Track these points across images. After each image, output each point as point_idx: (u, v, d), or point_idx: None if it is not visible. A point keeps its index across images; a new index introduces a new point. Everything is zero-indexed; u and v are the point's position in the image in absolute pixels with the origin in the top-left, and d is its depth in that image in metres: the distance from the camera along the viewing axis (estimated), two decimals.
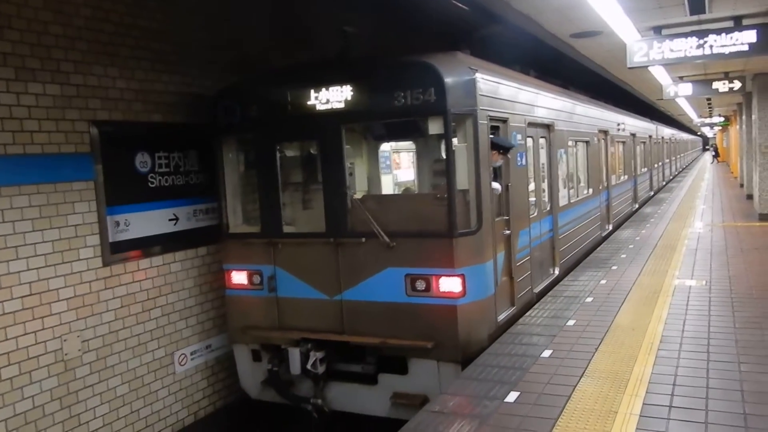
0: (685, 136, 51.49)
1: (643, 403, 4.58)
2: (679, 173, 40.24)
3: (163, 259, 7.06)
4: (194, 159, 7.49)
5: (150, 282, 6.88)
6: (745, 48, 7.48)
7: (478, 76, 6.24)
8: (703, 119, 36.72)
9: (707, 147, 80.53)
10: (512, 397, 4.82)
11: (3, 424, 5.40)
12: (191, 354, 7.38)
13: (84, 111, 6.20)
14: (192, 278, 7.43)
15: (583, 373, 5.25)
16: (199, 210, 7.55)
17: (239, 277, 7.03)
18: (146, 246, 6.85)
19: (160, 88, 7.08)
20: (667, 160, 31.56)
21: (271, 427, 7.63)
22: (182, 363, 7.25)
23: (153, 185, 6.96)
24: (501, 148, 6.74)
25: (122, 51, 6.62)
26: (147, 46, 6.90)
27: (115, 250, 6.47)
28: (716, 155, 55.35)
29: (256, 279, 6.90)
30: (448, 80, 5.90)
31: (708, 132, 62.35)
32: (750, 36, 7.44)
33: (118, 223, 6.50)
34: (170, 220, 7.17)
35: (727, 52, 7.52)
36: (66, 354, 5.94)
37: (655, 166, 24.94)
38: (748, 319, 6.59)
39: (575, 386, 4.97)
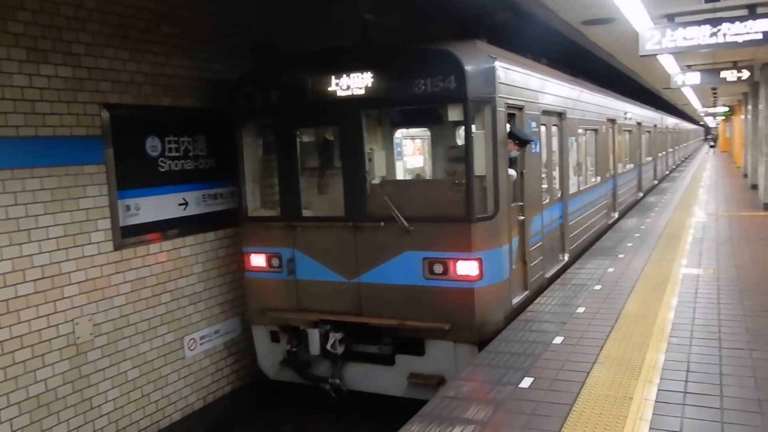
0: (688, 125, 51.41)
1: (658, 389, 4.59)
2: (682, 163, 40.20)
3: (173, 243, 7.06)
4: (203, 144, 7.46)
5: (160, 267, 6.87)
6: (759, 36, 7.43)
7: (497, 64, 6.30)
8: (707, 109, 36.60)
9: (708, 137, 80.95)
10: (526, 382, 4.83)
11: (16, 407, 5.42)
12: (200, 339, 7.39)
13: (95, 94, 6.16)
14: (201, 263, 7.42)
15: (596, 359, 5.26)
16: (209, 195, 7.54)
17: (258, 260, 7.13)
18: (156, 230, 6.83)
19: (169, 71, 7.05)
20: (671, 150, 31.52)
21: (284, 410, 7.67)
22: (191, 348, 7.27)
23: (163, 169, 6.95)
24: (518, 139, 6.76)
25: (132, 34, 6.58)
26: (157, 29, 6.86)
27: (126, 234, 6.46)
28: (713, 145, 57.23)
29: (275, 262, 7.00)
30: (468, 68, 5.96)
31: (710, 122, 62.24)
32: (764, 24, 7.38)
33: (128, 207, 6.49)
34: (180, 204, 7.15)
35: (740, 41, 7.47)
36: (78, 337, 5.95)
37: (660, 155, 24.92)
38: (757, 308, 6.59)
39: (588, 372, 4.98)
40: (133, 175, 6.54)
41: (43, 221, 5.66)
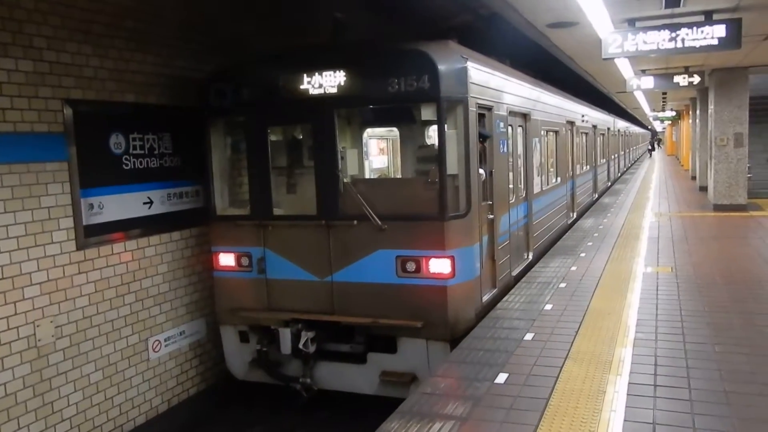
0: (637, 129, 52.91)
1: (629, 383, 4.71)
2: (632, 165, 41.33)
3: (137, 243, 6.89)
4: (169, 141, 7.32)
5: (124, 267, 6.71)
6: (715, 42, 7.69)
7: (470, 64, 6.35)
8: (656, 113, 37.72)
9: (657, 139, 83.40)
10: (501, 378, 4.89)
11: None
12: (165, 340, 7.24)
13: (57, 89, 5.98)
14: (166, 263, 7.27)
15: (567, 355, 5.36)
16: (174, 194, 7.39)
17: (227, 259, 7.05)
18: (120, 230, 6.67)
19: (134, 67, 6.89)
20: (622, 152, 32.39)
21: (251, 411, 7.57)
22: (156, 349, 7.11)
23: (127, 167, 6.78)
24: (481, 136, 6.86)
25: (95, 28, 6.40)
26: (121, 23, 6.70)
27: (89, 234, 6.28)
28: (652, 148, 60.26)
29: (245, 261, 6.92)
30: (442, 68, 6.01)
31: (657, 126, 64.14)
32: (720, 30, 7.65)
33: (92, 206, 6.31)
34: (144, 203, 7.00)
35: (698, 46, 7.72)
36: (39, 340, 5.75)
37: (612, 157, 25.58)
38: (716, 304, 6.83)
39: (561, 368, 5.07)
40: (97, 173, 6.37)
41: (2, 220, 5.45)
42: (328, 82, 6.35)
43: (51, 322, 5.87)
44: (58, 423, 5.93)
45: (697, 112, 20.68)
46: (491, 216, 7.09)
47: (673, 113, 36.16)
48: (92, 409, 6.30)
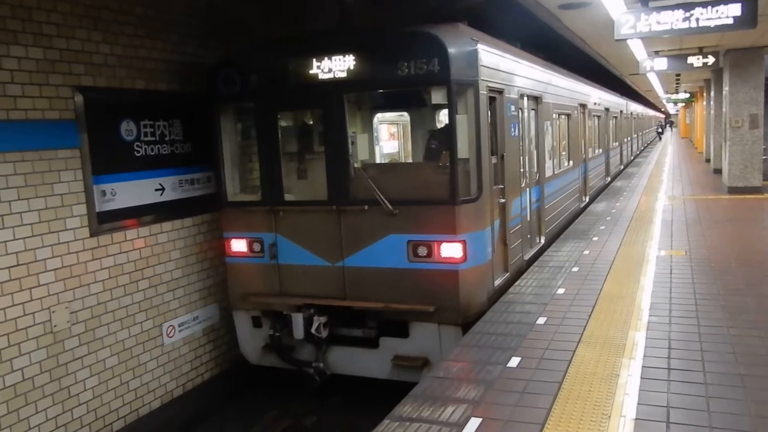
0: (650, 112, 52.39)
1: (643, 366, 4.69)
2: (645, 148, 40.98)
3: (150, 229, 6.93)
4: (179, 128, 7.32)
5: (137, 253, 6.75)
6: (730, 21, 7.55)
7: (480, 47, 6.28)
8: (669, 95, 37.29)
9: (669, 122, 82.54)
10: (514, 362, 4.89)
11: None
12: (179, 326, 7.29)
13: (68, 76, 5.98)
14: (178, 249, 7.31)
15: (580, 339, 5.34)
16: (185, 180, 7.41)
17: (239, 245, 7.06)
18: (133, 216, 6.70)
19: (143, 54, 6.89)
20: (635, 135, 32.10)
21: (265, 396, 7.64)
22: (170, 335, 7.17)
23: (139, 154, 6.80)
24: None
25: (105, 15, 6.40)
26: (130, 10, 6.69)
27: (102, 220, 6.31)
28: (661, 131, 59.32)
29: (257, 246, 6.93)
30: (452, 51, 5.95)
31: (671, 108, 63.48)
32: (735, 9, 7.50)
33: (104, 193, 6.34)
34: (156, 190, 7.02)
35: (712, 25, 7.58)
36: (54, 325, 5.81)
37: (625, 140, 25.35)
38: (731, 287, 6.77)
39: (574, 351, 5.05)
40: (109, 159, 6.38)
41: (16, 207, 5.49)
42: (337, 66, 6.32)
43: (66, 308, 5.92)
44: (75, 407, 6.01)
45: (712, 93, 20.40)
46: (503, 200, 7.05)
47: (687, 95, 35.72)
48: (108, 394, 6.37)
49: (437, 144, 7.31)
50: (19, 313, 5.50)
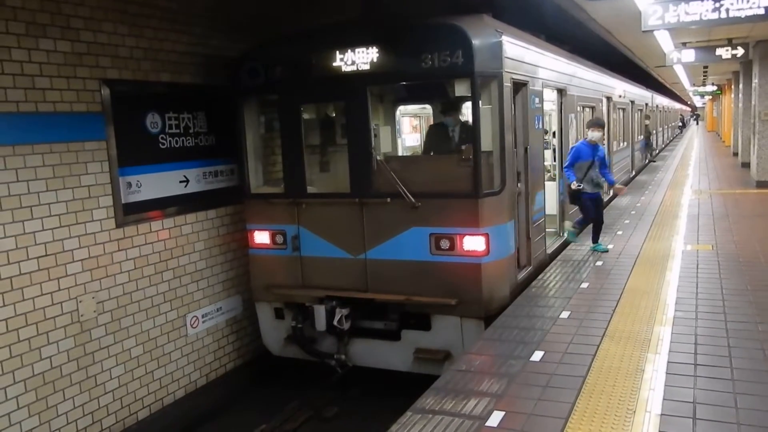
0: (676, 105, 51.58)
1: (668, 362, 4.62)
2: (670, 142, 40.39)
3: (175, 221, 7.00)
4: (203, 120, 7.38)
5: (162, 244, 6.82)
6: (761, 11, 7.41)
7: (504, 38, 6.23)
8: (695, 88, 36.68)
9: (695, 115, 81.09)
10: (537, 356, 4.85)
11: (22, 384, 5.38)
12: (203, 317, 7.37)
13: (94, 69, 6.06)
14: (203, 241, 7.38)
15: (604, 333, 5.28)
16: (209, 172, 7.47)
17: (262, 237, 7.11)
18: (158, 208, 6.78)
19: (168, 47, 6.94)
20: (660, 129, 31.64)
21: (287, 387, 7.69)
22: (194, 325, 7.24)
23: (164, 146, 6.87)
24: None
25: (131, 8, 6.46)
26: (155, 3, 6.74)
27: (128, 212, 6.40)
28: (682, 125, 58.03)
29: (279, 239, 6.97)
30: (476, 42, 5.91)
31: (697, 101, 62.42)
32: None
33: (130, 185, 6.42)
34: (181, 182, 7.09)
35: (743, 16, 7.45)
36: (82, 315, 5.90)
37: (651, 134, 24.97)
38: (759, 282, 6.65)
39: (598, 346, 5.00)
40: (134, 152, 6.46)
41: (44, 198, 5.59)
42: (360, 59, 6.30)
43: (93, 297, 6.01)
44: (101, 395, 6.11)
45: (740, 86, 20.01)
46: (526, 193, 6.99)
47: (714, 88, 35.09)
48: (133, 383, 6.46)
49: (458, 137, 7.30)
50: (47, 303, 5.60)
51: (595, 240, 8.35)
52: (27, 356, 5.43)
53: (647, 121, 22.32)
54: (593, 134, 7.82)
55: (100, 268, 6.09)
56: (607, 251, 8.21)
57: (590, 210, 8.02)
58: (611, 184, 8.71)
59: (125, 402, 6.37)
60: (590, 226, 8.40)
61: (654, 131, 26.70)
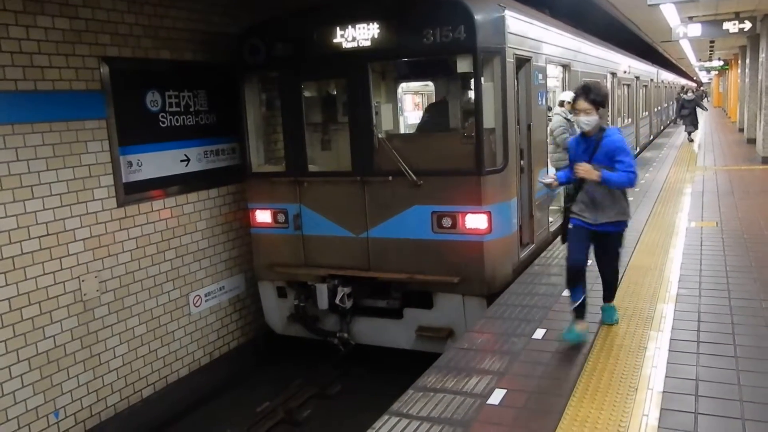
0: (682, 81, 51.09)
1: (671, 339, 4.62)
2: (676, 118, 40.00)
3: (176, 200, 6.98)
4: (204, 99, 7.32)
5: (163, 223, 6.81)
6: None
7: (507, 13, 6.14)
8: (702, 63, 36.30)
9: (702, 92, 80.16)
10: (539, 334, 4.86)
11: (26, 363, 5.41)
12: (206, 295, 7.38)
13: (93, 47, 6.00)
14: (204, 220, 7.36)
15: None
16: (210, 151, 7.43)
17: (264, 216, 7.10)
18: (159, 187, 6.75)
19: (168, 24, 6.86)
20: (665, 105, 31.37)
21: (290, 365, 7.73)
22: (197, 304, 7.26)
23: (164, 125, 6.82)
24: None
25: None
26: None
27: (129, 191, 6.37)
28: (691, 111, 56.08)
29: (281, 217, 6.96)
30: (478, 17, 5.83)
31: (704, 77, 61.77)
32: None
33: (130, 164, 6.39)
34: (182, 161, 7.05)
35: None
36: (84, 294, 5.91)
37: (655, 110, 24.80)
38: (764, 259, 6.62)
39: (600, 323, 4.99)
40: (135, 130, 6.42)
41: (45, 177, 5.56)
42: (361, 35, 6.23)
43: (95, 277, 6.01)
44: (105, 374, 6.14)
45: (747, 61, 19.80)
46: (529, 170, 6.95)
47: (721, 63, 34.71)
48: (137, 361, 6.49)
49: (461, 114, 7.23)
50: (49, 282, 5.60)
51: None
52: (30, 335, 5.44)
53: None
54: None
55: (102, 248, 6.09)
56: None
57: None
58: None
59: (129, 380, 6.41)
60: None
61: (659, 107, 26.47)
